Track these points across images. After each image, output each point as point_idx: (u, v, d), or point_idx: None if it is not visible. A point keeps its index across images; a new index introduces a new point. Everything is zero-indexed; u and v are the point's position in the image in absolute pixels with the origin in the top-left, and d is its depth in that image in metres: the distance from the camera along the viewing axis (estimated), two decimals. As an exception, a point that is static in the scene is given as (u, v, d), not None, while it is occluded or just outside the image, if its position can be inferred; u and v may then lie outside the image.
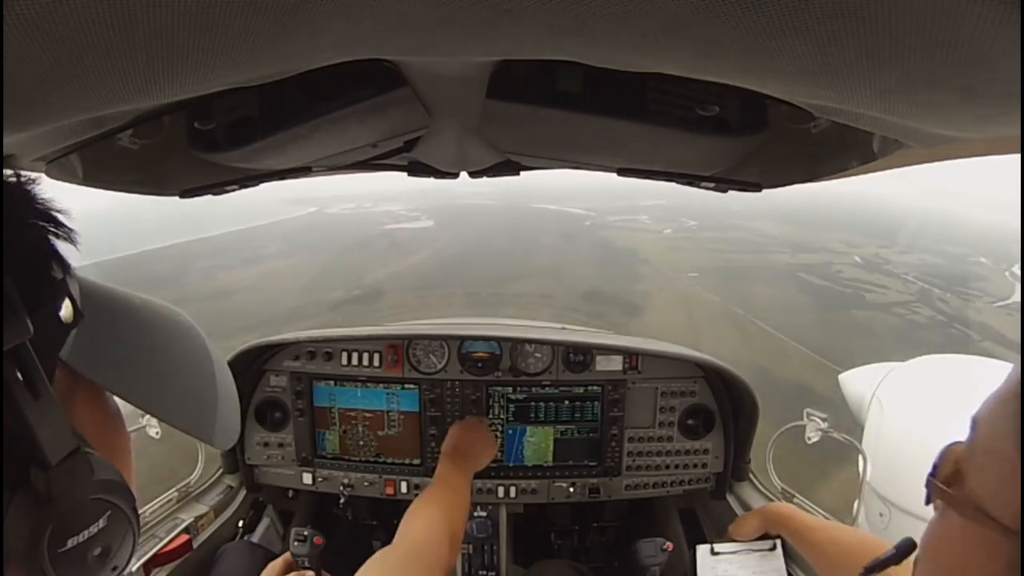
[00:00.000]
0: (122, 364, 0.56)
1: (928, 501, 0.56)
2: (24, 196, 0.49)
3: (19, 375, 0.44)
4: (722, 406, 2.19)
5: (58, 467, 0.46)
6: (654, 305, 24.25)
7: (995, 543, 0.46)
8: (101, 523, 0.49)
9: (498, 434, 2.20)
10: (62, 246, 0.51)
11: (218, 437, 0.62)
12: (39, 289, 0.48)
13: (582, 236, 46.13)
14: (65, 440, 0.47)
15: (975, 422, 0.52)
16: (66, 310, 0.49)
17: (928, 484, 0.55)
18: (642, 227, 49.16)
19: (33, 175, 0.50)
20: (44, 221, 0.49)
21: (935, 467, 0.54)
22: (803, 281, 30.73)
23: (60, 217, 0.50)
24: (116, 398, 0.58)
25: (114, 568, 0.51)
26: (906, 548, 0.73)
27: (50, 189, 0.50)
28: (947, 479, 0.53)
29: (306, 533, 1.75)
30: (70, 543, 0.47)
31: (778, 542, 1.65)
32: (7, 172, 0.48)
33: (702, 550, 1.68)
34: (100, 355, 0.54)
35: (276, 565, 1.73)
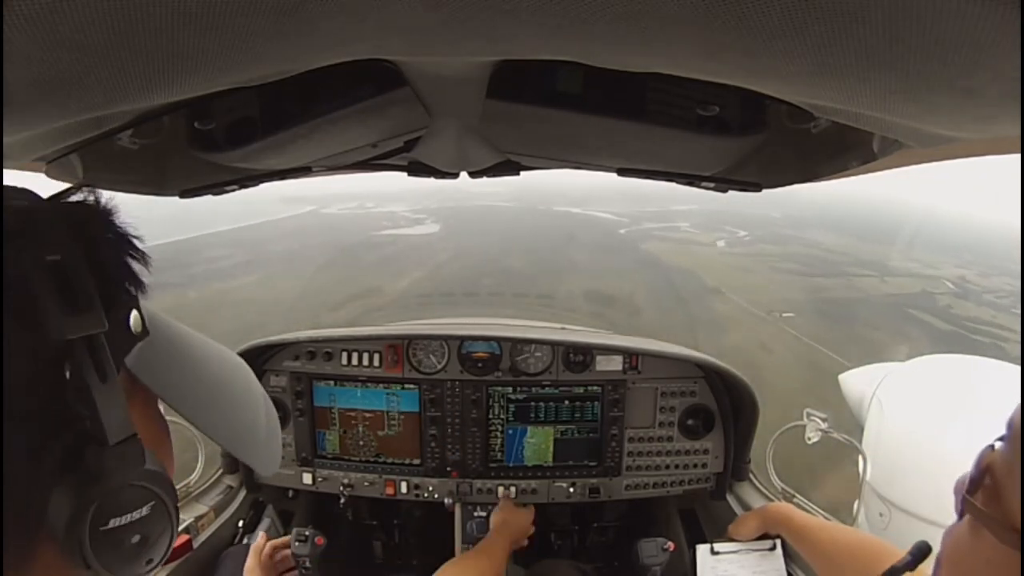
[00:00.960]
0: (180, 383, 0.60)
1: (960, 515, 0.53)
2: (105, 217, 0.55)
3: (90, 360, 0.47)
4: (722, 406, 2.19)
5: (114, 448, 0.48)
6: (767, 378, 13.35)
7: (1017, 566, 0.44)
8: (144, 511, 0.51)
9: (498, 434, 2.20)
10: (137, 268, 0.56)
11: (263, 463, 0.66)
12: (114, 295, 0.52)
13: (622, 249, 38.45)
14: (124, 425, 0.50)
15: (1011, 429, 0.49)
16: (135, 321, 0.54)
17: (962, 500, 0.52)
18: (688, 238, 42.89)
19: (110, 199, 0.56)
20: (122, 242, 0.55)
21: (971, 481, 0.51)
22: (921, 324, 23.23)
23: (136, 242, 0.56)
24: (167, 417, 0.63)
25: (149, 561, 0.53)
26: (921, 554, 0.71)
27: (129, 213, 0.56)
28: (980, 490, 0.50)
29: (307, 533, 1.75)
30: (112, 523, 0.49)
31: (778, 542, 1.65)
32: (85, 194, 0.54)
33: (702, 550, 1.68)
34: (161, 371, 0.58)
35: (259, 545, 1.78)
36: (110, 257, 0.54)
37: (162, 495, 0.53)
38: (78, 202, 0.54)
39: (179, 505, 0.57)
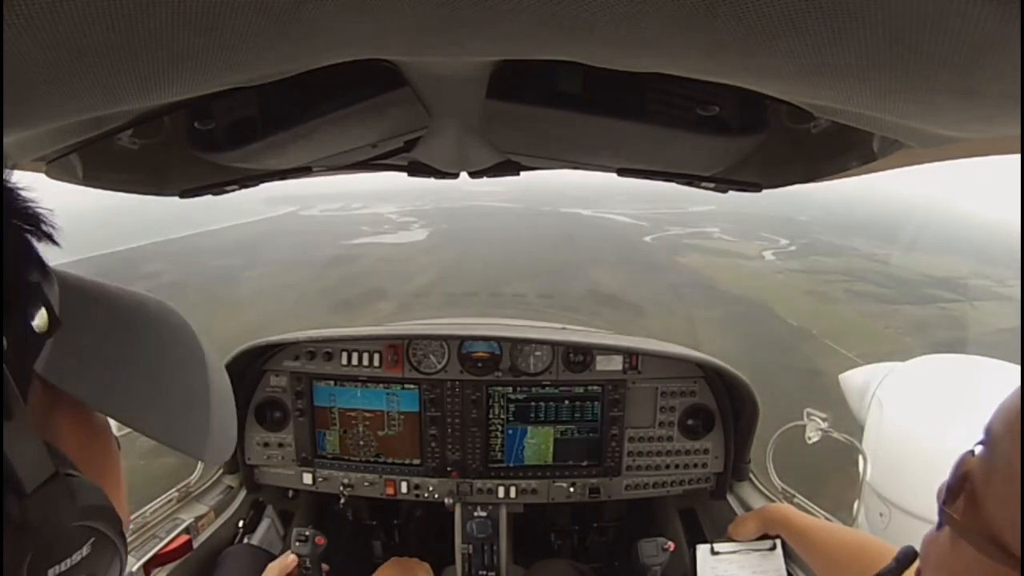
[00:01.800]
0: (102, 374, 0.51)
1: (940, 526, 0.52)
2: (2, 193, 0.45)
3: None
4: (722, 406, 2.19)
5: (34, 494, 0.42)
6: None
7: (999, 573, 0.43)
8: (85, 551, 0.46)
9: (498, 434, 2.20)
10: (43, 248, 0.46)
11: (210, 452, 0.58)
12: (11, 296, 0.43)
13: (654, 264, 29.18)
14: (41, 465, 0.43)
15: (990, 436, 0.48)
16: (40, 319, 0.45)
17: (940, 511, 0.51)
18: (727, 248, 34.51)
19: (15, 171, 0.47)
20: (23, 221, 0.45)
21: (948, 490, 0.50)
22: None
23: (42, 216, 0.46)
24: None
25: None
26: (907, 559, 0.71)
27: (34, 186, 0.46)
28: (960, 498, 0.49)
29: (308, 533, 1.75)
30: (51, 573, 0.43)
31: (778, 542, 1.65)
32: None
33: (702, 550, 1.68)
34: (80, 365, 0.49)
35: (275, 567, 1.72)
36: (9, 246, 0.44)
37: (102, 528, 0.47)
38: None
39: (179, 505, 0.52)
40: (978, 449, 0.50)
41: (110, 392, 0.51)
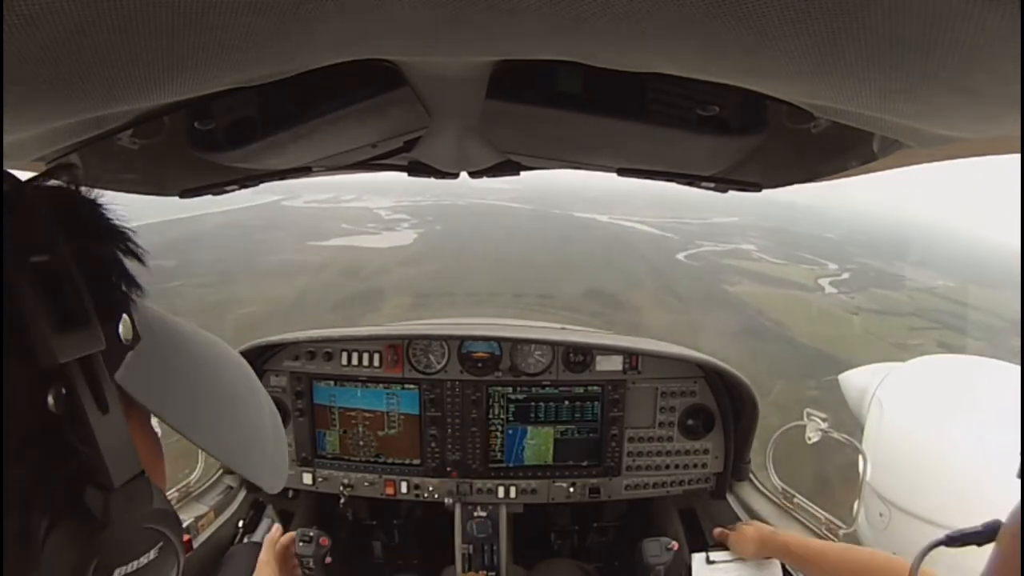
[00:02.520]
0: (174, 392, 0.52)
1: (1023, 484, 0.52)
2: (95, 211, 0.47)
3: (87, 387, 0.41)
4: (722, 406, 2.19)
5: (120, 490, 0.42)
6: None
7: None
8: (152, 554, 0.45)
9: (498, 434, 2.20)
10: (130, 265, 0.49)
11: (267, 478, 0.58)
12: (107, 302, 0.45)
13: (706, 295, 22.93)
14: (131, 462, 0.44)
15: None
16: (124, 328, 0.46)
17: (1019, 474, 0.51)
18: (774, 272, 28.35)
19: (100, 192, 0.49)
20: (113, 238, 0.48)
21: None
22: None
23: (130, 235, 0.48)
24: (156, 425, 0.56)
25: None
26: (994, 528, 0.70)
27: (122, 206, 0.48)
28: None
29: (312, 534, 1.75)
30: (116, 573, 0.42)
31: None
32: (66, 180, 0.47)
33: (697, 559, 1.65)
34: (153, 380, 0.50)
35: (273, 537, 1.70)
36: (103, 255, 0.46)
37: (170, 534, 0.47)
38: (61, 187, 0.46)
39: (179, 505, 0.52)
40: None
41: (179, 410, 0.52)
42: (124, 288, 0.48)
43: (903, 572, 1.11)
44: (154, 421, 0.55)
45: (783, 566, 1.63)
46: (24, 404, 0.39)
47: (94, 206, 0.47)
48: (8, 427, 0.38)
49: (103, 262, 0.46)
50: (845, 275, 28.81)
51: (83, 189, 0.47)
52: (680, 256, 31.76)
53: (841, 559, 1.37)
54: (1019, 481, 0.49)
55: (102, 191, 0.48)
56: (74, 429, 0.41)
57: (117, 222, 0.48)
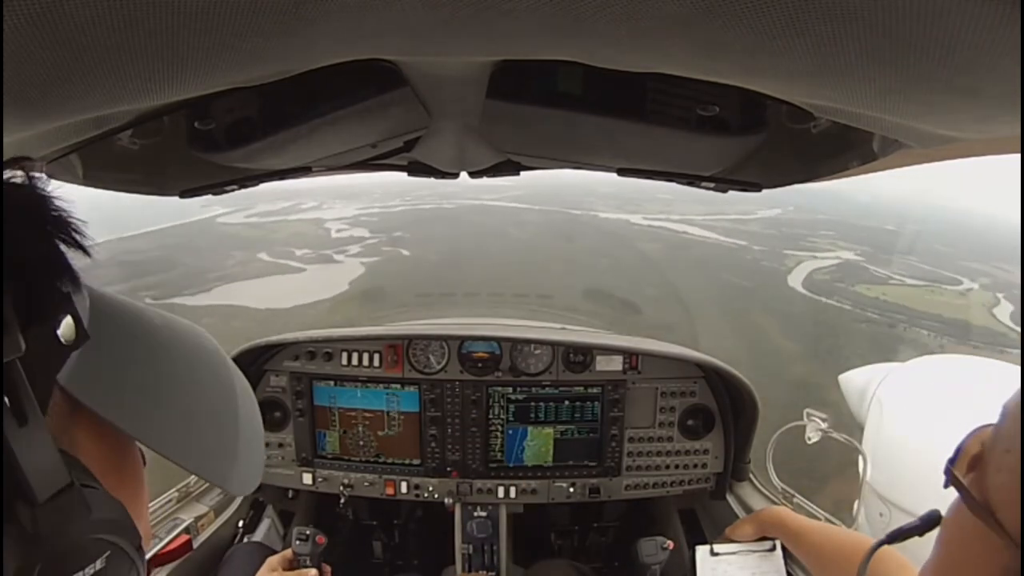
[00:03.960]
0: (127, 393, 0.50)
1: (946, 485, 0.54)
2: (36, 201, 0.45)
3: (5, 398, 0.39)
4: (722, 406, 2.19)
5: (47, 504, 0.41)
6: None
7: (997, 547, 0.45)
8: (98, 564, 0.43)
9: (498, 434, 2.20)
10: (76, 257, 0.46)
11: (235, 481, 0.56)
12: (39, 303, 0.43)
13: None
14: (56, 474, 0.42)
15: (1005, 409, 0.50)
16: (66, 329, 0.44)
17: (946, 470, 0.53)
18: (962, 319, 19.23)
19: (43, 177, 0.47)
20: (56, 228, 0.45)
21: (957, 451, 0.52)
22: None
23: (75, 225, 0.46)
24: None
25: None
26: (931, 521, 0.71)
27: (68, 193, 0.45)
28: (968, 464, 0.51)
29: (308, 532, 1.75)
30: None
31: (777, 543, 1.65)
32: (16, 173, 0.45)
33: (702, 551, 1.67)
34: (102, 381, 0.48)
35: (275, 560, 1.72)
36: (37, 251, 0.44)
37: (118, 541, 0.45)
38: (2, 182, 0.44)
39: (179, 505, 0.50)
40: (990, 427, 0.52)
41: (133, 412, 0.50)
42: (67, 286, 0.46)
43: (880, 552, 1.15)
44: None
45: (784, 553, 1.63)
46: None
47: (35, 200, 0.45)
48: None
49: (39, 259, 0.44)
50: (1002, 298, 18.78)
51: (23, 182, 0.45)
52: (797, 286, 20.17)
53: (836, 541, 1.42)
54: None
55: (48, 182, 0.46)
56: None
57: (61, 214, 0.45)
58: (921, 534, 0.74)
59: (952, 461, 0.53)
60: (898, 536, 0.83)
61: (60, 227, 0.45)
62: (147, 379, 0.52)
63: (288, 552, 1.76)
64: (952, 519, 0.54)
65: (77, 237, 0.46)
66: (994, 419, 0.51)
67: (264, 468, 0.63)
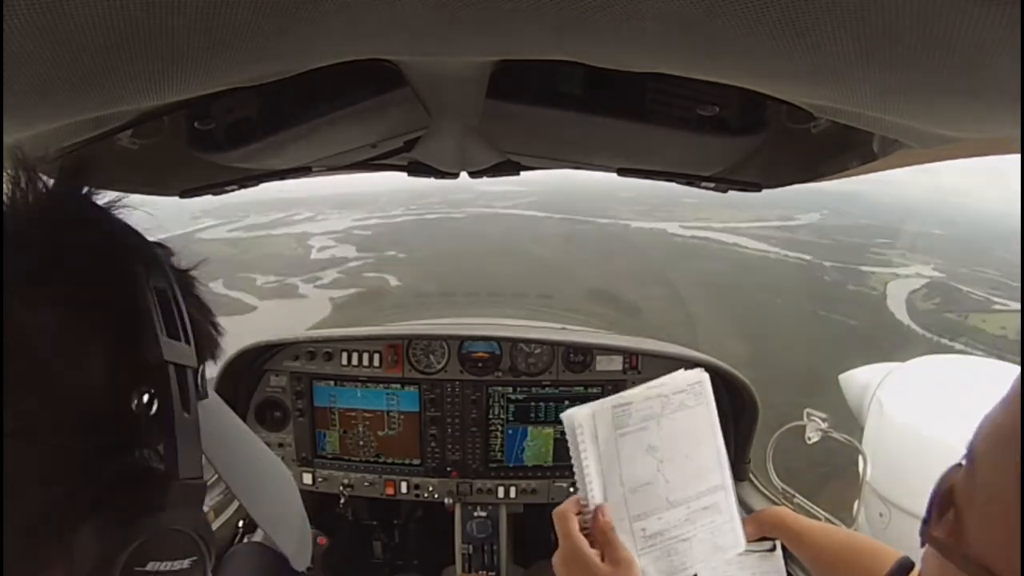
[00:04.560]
0: (230, 453, 0.58)
1: (923, 544, 0.49)
2: (190, 279, 0.55)
3: (178, 389, 0.45)
4: (722, 406, 2.18)
5: (183, 483, 0.44)
6: None
7: None
8: (186, 564, 0.45)
9: (498, 434, 2.20)
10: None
11: (297, 556, 0.63)
12: (198, 343, 0.50)
13: None
14: (196, 463, 0.46)
15: (973, 452, 0.46)
16: (203, 374, 0.52)
17: (921, 532, 0.49)
18: None
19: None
20: (204, 307, 0.55)
21: (929, 509, 0.48)
22: None
23: (214, 311, 0.56)
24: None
25: None
26: (903, 570, 0.69)
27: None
28: (946, 517, 0.47)
29: None
30: (149, 566, 0.42)
31: (778, 543, 1.65)
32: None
33: None
34: (215, 436, 0.54)
35: None
36: (198, 309, 0.54)
37: (206, 554, 0.47)
38: (169, 250, 0.54)
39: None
40: (965, 463, 0.48)
41: (231, 466, 0.58)
42: (213, 347, 0.56)
43: (884, 554, 1.14)
44: None
45: (784, 553, 1.63)
46: (124, 384, 0.43)
47: (191, 278, 0.55)
48: (102, 401, 0.42)
49: (199, 313, 0.54)
50: None
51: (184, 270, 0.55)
52: (903, 316, 16.99)
53: (836, 542, 1.41)
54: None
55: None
56: (158, 422, 0.44)
57: (206, 298, 0.56)
58: None
59: (926, 521, 0.48)
60: None
61: (205, 307, 0.56)
62: (240, 448, 0.62)
63: None
64: (935, 571, 0.49)
65: (215, 320, 0.57)
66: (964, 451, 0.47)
67: None
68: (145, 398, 0.43)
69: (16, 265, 0.40)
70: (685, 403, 1.12)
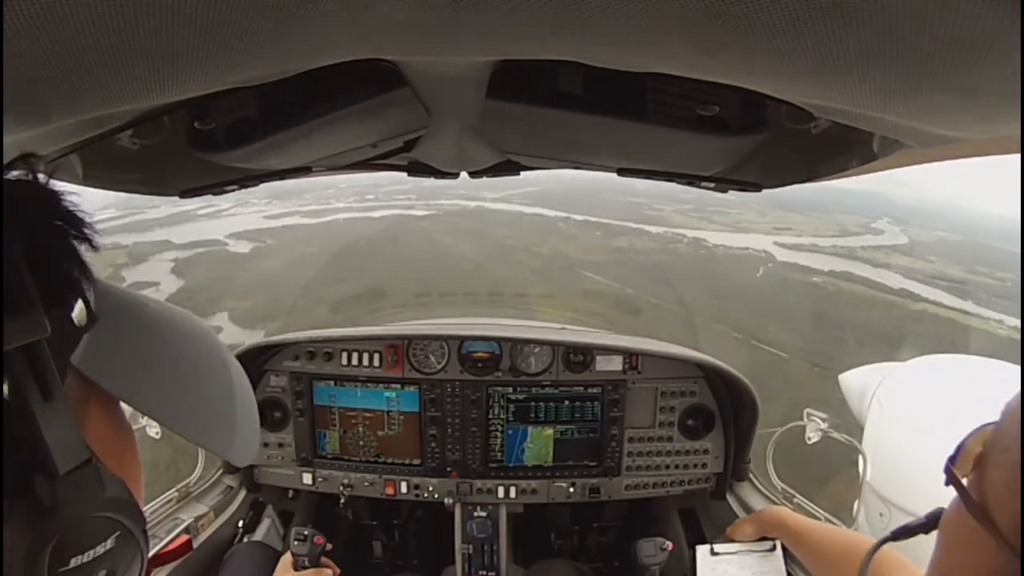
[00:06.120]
0: (136, 372, 0.53)
1: (946, 483, 0.53)
2: (46, 196, 0.48)
3: (30, 374, 0.41)
4: (722, 406, 2.19)
5: (66, 477, 0.43)
6: None
7: (993, 550, 0.44)
8: (109, 543, 0.45)
9: (498, 434, 2.20)
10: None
11: (236, 452, 0.59)
12: (56, 289, 0.46)
13: None
14: (76, 449, 0.44)
15: (1006, 408, 0.48)
16: (79, 312, 0.47)
17: (946, 468, 0.52)
18: None
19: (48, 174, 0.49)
20: (66, 223, 0.48)
21: (958, 449, 0.51)
22: None
23: (84, 220, 0.49)
24: (125, 409, 0.56)
25: None
26: (936, 518, 0.70)
27: (79, 192, 0.48)
28: (972, 464, 0.50)
29: (306, 532, 1.75)
30: (73, 562, 0.43)
31: (778, 543, 1.65)
32: (23, 171, 0.48)
33: (702, 550, 1.67)
34: (113, 362, 0.51)
35: (287, 561, 1.73)
36: (53, 243, 0.47)
37: (127, 523, 0.47)
38: (12, 180, 0.47)
39: (179, 505, 0.52)
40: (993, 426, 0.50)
41: (142, 389, 0.53)
42: (77, 273, 0.48)
43: (883, 554, 1.15)
44: (126, 411, 0.55)
45: (784, 553, 1.64)
46: None
47: (46, 195, 0.48)
48: None
49: (53, 249, 0.47)
50: None
51: (37, 179, 0.48)
52: None
53: (836, 541, 1.42)
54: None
55: (57, 180, 0.49)
56: (19, 416, 0.41)
57: (71, 209, 0.49)
58: (927, 531, 0.73)
59: (952, 459, 0.52)
60: (902, 534, 0.81)
61: (71, 221, 0.48)
62: (151, 358, 0.55)
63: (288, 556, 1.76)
64: (951, 519, 0.53)
65: (86, 231, 0.49)
66: (996, 417, 0.51)
67: (264, 467, 0.65)
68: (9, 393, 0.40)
69: None
70: None
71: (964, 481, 0.50)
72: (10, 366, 0.40)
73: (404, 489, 2.22)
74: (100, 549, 0.45)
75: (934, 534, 0.58)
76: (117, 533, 0.46)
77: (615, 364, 2.17)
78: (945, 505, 0.55)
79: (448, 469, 2.20)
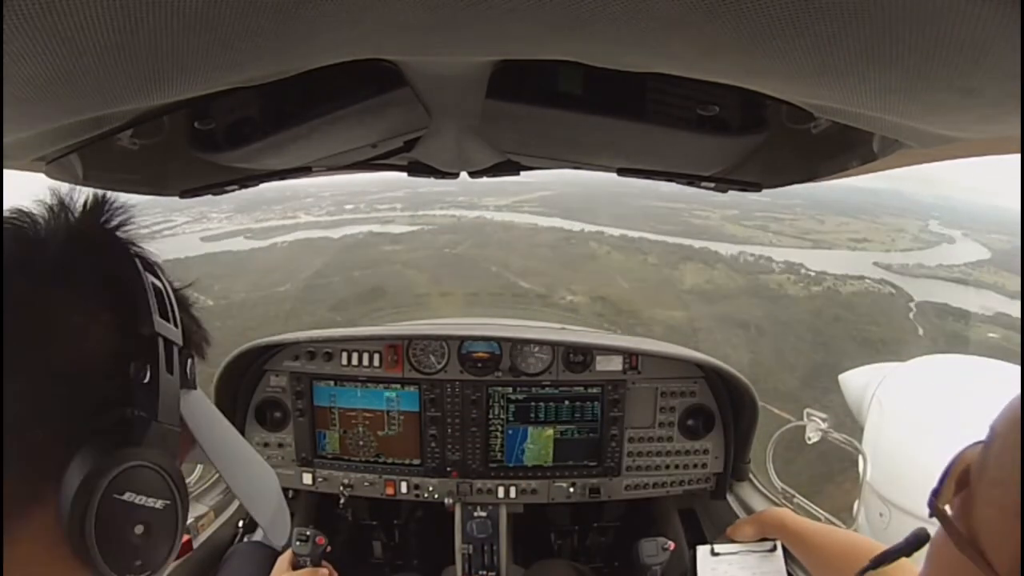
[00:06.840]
0: (216, 438, 0.65)
1: (930, 515, 0.50)
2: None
3: (165, 357, 0.53)
4: (722, 406, 2.19)
5: (160, 425, 0.51)
6: None
7: None
8: (158, 504, 0.50)
9: (498, 434, 2.20)
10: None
11: (276, 529, 0.69)
12: (186, 336, 0.60)
13: None
14: (174, 414, 0.54)
15: (993, 432, 0.45)
16: (190, 370, 0.60)
17: (929, 503, 0.49)
18: None
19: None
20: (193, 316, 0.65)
21: (941, 479, 0.48)
22: None
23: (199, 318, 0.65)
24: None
25: (137, 562, 0.50)
26: (918, 541, 0.69)
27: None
28: (956, 485, 0.47)
29: (308, 533, 1.75)
30: (126, 495, 0.48)
31: (778, 543, 1.65)
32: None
33: (702, 551, 1.67)
34: (202, 421, 0.61)
35: (284, 562, 1.74)
36: (190, 319, 0.63)
37: (178, 500, 0.53)
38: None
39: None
40: (980, 447, 0.48)
41: (224, 456, 0.65)
42: (197, 343, 0.64)
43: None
44: None
45: (784, 554, 1.64)
46: (117, 349, 0.51)
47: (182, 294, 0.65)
48: (99, 356, 0.50)
49: (189, 316, 0.63)
50: None
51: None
52: None
53: (836, 543, 1.42)
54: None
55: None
56: (145, 383, 0.51)
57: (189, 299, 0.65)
58: (908, 554, 0.72)
59: (935, 493, 0.48)
60: (885, 559, 0.79)
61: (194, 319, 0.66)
62: (225, 435, 0.69)
63: (290, 553, 1.76)
64: (941, 542, 0.49)
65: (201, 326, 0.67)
66: (985, 431, 0.47)
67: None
68: (140, 368, 0.51)
69: (54, 273, 0.51)
70: None
71: (948, 509, 0.47)
72: (153, 347, 0.53)
73: (404, 489, 2.22)
74: (151, 502, 0.50)
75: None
76: (168, 501, 0.51)
77: (615, 364, 2.17)
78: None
79: (448, 469, 2.20)
